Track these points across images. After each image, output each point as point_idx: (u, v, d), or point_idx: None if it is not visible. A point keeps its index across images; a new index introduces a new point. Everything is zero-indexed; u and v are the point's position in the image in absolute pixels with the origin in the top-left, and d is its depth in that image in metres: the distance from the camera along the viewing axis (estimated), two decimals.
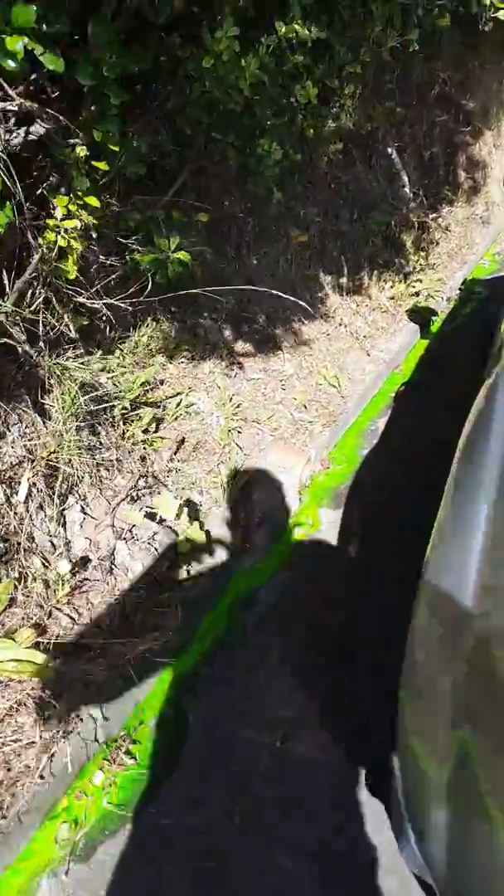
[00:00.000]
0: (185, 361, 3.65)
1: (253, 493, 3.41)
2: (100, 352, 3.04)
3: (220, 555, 2.94)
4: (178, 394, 3.51)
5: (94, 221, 2.65)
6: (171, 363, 3.59)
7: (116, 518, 2.69)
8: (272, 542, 3.27)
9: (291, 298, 4.49)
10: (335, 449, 4.07)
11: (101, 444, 2.81)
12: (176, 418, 3.41)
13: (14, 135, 2.37)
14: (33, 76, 2.29)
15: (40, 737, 2.11)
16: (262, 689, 2.53)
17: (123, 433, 2.93)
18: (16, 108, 2.26)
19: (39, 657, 2.20)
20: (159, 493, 2.97)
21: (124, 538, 2.67)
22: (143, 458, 2.98)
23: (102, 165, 2.59)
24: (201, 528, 2.88)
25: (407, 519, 2.84)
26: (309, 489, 3.71)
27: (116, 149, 2.59)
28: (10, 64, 2.03)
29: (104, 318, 3.10)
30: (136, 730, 2.38)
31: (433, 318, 5.48)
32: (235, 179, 4.07)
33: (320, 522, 3.50)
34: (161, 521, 2.84)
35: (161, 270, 3.01)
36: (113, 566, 2.61)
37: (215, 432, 3.54)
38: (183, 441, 3.35)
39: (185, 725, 2.41)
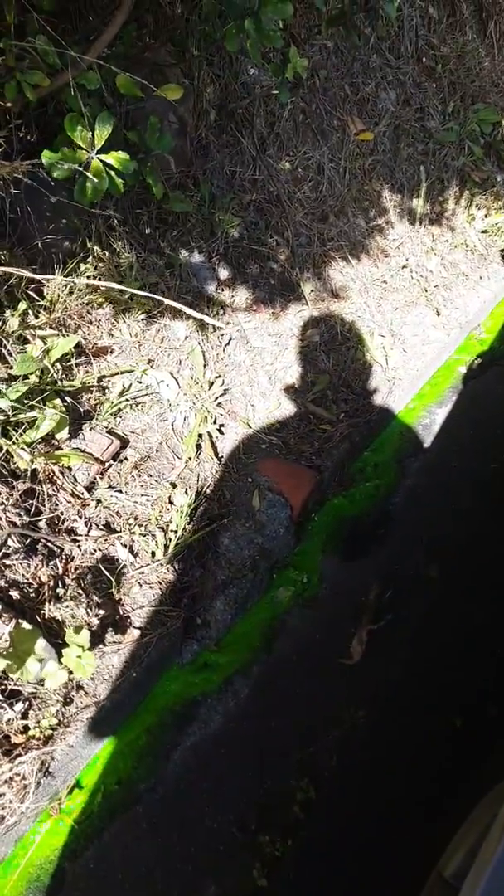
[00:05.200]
0: (148, 319, 2.42)
1: (223, 535, 2.27)
2: None
3: (127, 647, 1.86)
4: (128, 371, 2.31)
5: None
6: (123, 320, 2.37)
7: None
8: (235, 618, 2.16)
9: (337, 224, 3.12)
10: (366, 453, 2.84)
11: None
12: (118, 411, 2.24)
13: None
14: None
15: None
16: None
17: None
18: None
19: None
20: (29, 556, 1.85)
21: None
22: (29, 494, 1.86)
23: None
24: (97, 641, 1.77)
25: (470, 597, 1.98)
26: (313, 522, 2.53)
27: None
28: None
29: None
30: None
31: None
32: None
33: (321, 580, 2.35)
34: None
35: (79, 183, 1.75)
36: None
37: (181, 433, 2.36)
38: (122, 448, 2.20)
39: None
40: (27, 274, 1.59)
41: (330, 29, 2.79)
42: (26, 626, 1.50)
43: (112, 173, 1.79)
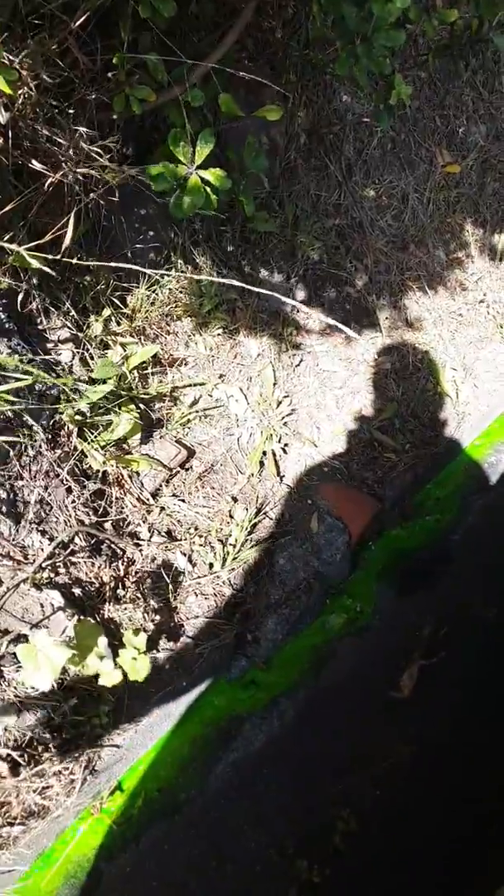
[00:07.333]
0: (224, 335, 2.47)
1: (279, 554, 2.27)
2: (69, 307, 1.95)
3: (179, 655, 1.87)
4: (200, 384, 2.36)
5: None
6: (201, 334, 2.42)
7: None
8: (286, 639, 2.15)
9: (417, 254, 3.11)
10: (428, 486, 2.79)
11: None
12: (187, 422, 2.28)
13: None
14: None
15: None
16: None
17: (66, 453, 1.86)
18: None
19: None
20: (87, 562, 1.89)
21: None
22: (98, 495, 1.91)
23: None
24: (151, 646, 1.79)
25: None
26: (370, 551, 2.51)
27: None
28: None
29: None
30: None
31: None
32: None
33: (374, 610, 2.32)
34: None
35: (175, 196, 1.80)
36: None
37: (245, 449, 2.39)
38: (189, 458, 2.24)
39: None
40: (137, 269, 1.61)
41: (437, 59, 2.80)
42: (91, 621, 1.54)
43: (208, 189, 1.84)
